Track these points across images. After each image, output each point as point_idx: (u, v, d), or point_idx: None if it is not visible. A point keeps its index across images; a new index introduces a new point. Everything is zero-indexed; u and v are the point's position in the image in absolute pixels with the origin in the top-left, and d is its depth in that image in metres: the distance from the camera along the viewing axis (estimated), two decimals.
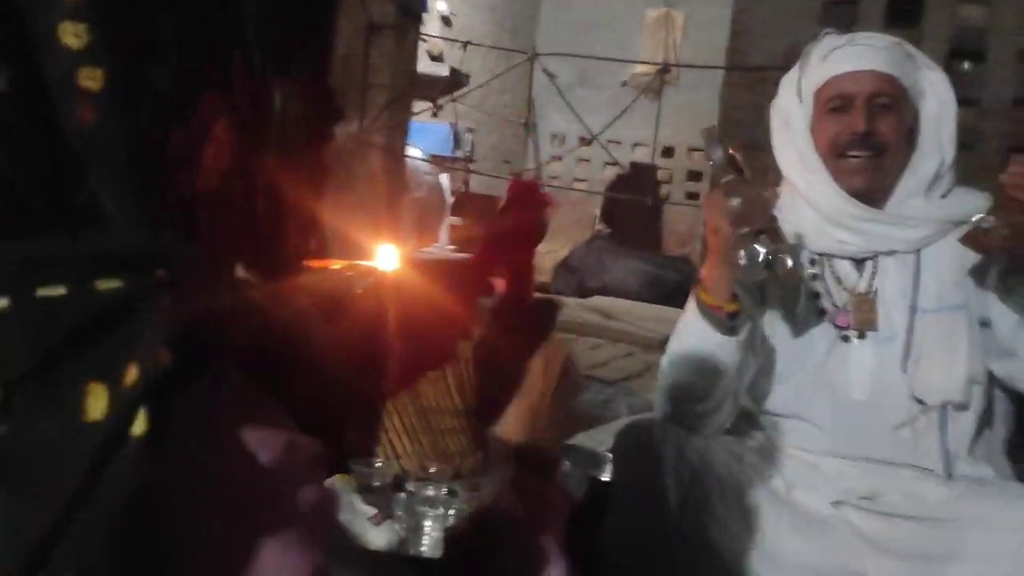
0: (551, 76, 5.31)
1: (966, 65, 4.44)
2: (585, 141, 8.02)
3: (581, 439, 2.54)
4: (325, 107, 4.59)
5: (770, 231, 1.36)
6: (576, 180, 9.76)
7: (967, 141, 4.26)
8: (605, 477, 1.77)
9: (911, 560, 1.36)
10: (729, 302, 1.42)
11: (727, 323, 1.42)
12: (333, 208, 4.36)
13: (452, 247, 6.79)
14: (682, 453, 1.44)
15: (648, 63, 8.37)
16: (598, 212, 8.46)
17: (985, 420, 1.49)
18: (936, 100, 1.51)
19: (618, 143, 9.22)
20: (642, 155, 8.76)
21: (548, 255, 7.92)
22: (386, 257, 1.89)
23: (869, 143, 1.46)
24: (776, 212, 1.41)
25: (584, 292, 6.65)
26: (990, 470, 1.46)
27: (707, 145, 1.36)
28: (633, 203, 7.93)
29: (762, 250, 1.33)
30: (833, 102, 1.49)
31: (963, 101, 4.43)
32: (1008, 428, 1.55)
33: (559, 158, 9.39)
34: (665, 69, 5.38)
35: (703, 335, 1.44)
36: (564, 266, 7.16)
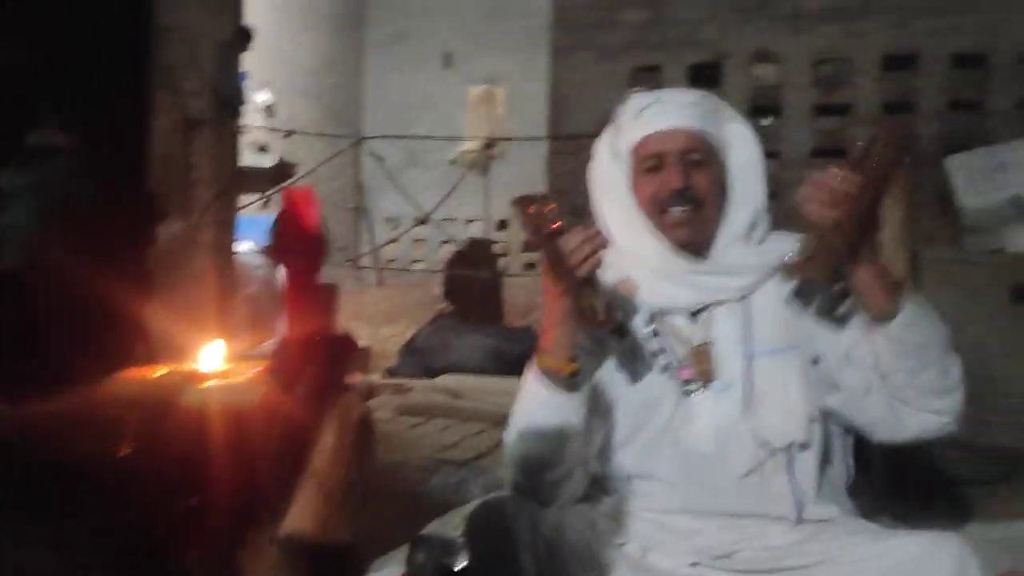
0: (379, 159, 5.29)
1: (764, 121, 4.73)
2: (419, 221, 8.03)
3: (434, 526, 2.46)
4: (146, 208, 4.40)
5: (599, 284, 1.37)
6: (414, 261, 9.75)
7: (772, 190, 4.51)
8: (461, 564, 1.69)
9: None
10: (568, 363, 1.41)
11: (568, 384, 1.41)
12: (160, 311, 4.15)
13: None
14: (536, 528, 1.39)
15: (472, 139, 8.52)
16: (439, 291, 8.45)
17: (826, 458, 1.53)
18: (743, 151, 1.58)
19: (452, 220, 9.29)
20: (477, 231, 8.86)
21: (392, 339, 7.80)
22: (211, 357, 1.78)
23: (686, 198, 1.50)
24: (606, 270, 1.40)
25: (432, 372, 6.56)
26: (835, 508, 1.49)
27: (521, 207, 1.35)
28: (472, 279, 7.96)
29: (598, 303, 1.35)
30: (648, 161, 1.53)
31: (766, 154, 4.72)
32: (847, 465, 1.59)
33: (395, 240, 9.35)
34: (489, 144, 5.46)
35: (545, 399, 1.42)
36: (409, 348, 7.05)
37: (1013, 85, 4.35)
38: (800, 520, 1.45)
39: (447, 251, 9.33)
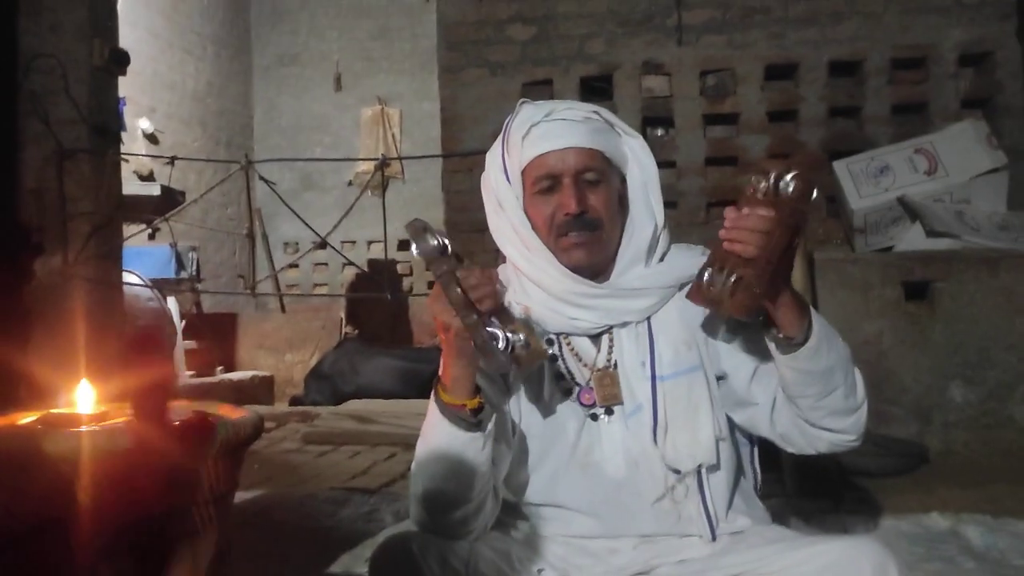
0: (270, 184, 5.15)
1: (659, 132, 4.79)
2: (318, 245, 7.86)
3: (345, 561, 2.37)
4: (20, 243, 4.17)
5: (500, 314, 1.31)
6: (316, 285, 9.59)
7: (671, 199, 4.58)
8: None
9: None
10: (470, 398, 1.35)
11: (471, 419, 1.34)
12: (39, 351, 3.93)
13: (191, 373, 6.37)
14: (445, 562, 1.33)
15: (365, 159, 8.43)
16: (343, 315, 8.30)
17: (738, 475, 1.51)
18: (638, 166, 1.52)
19: (352, 243, 9.16)
20: (378, 252, 8.75)
21: (297, 365, 7.64)
22: (86, 398, 1.65)
23: (584, 222, 1.44)
24: (504, 293, 1.35)
25: (340, 398, 6.44)
26: (748, 520, 1.48)
27: (414, 240, 1.28)
28: (377, 301, 7.85)
29: (499, 334, 1.28)
30: (541, 183, 1.46)
31: (662, 164, 4.78)
32: (755, 471, 1.58)
33: (295, 266, 9.17)
34: (384, 163, 5.38)
35: (449, 436, 1.36)
36: (315, 374, 6.92)
37: (887, 90, 4.51)
38: (715, 536, 1.43)
39: (349, 274, 9.23)
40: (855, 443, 1.45)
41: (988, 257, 3.70)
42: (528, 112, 1.51)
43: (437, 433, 1.37)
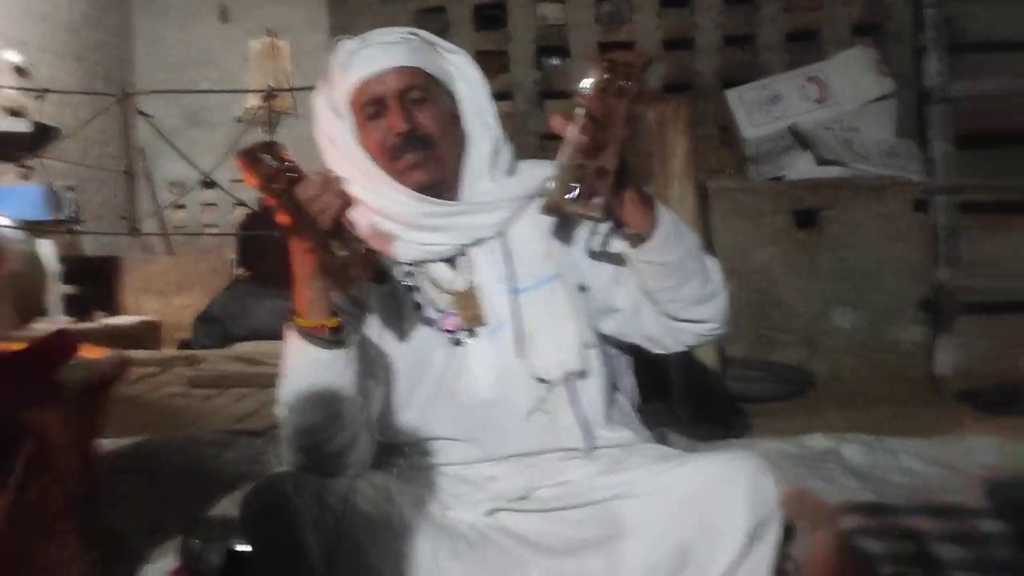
0: (147, 117, 4.88)
1: (554, 61, 4.70)
2: (205, 184, 7.57)
3: (225, 505, 2.27)
4: None
5: (343, 227, 1.26)
6: (206, 226, 9.24)
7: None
8: (245, 547, 1.54)
9: (574, 551, 1.31)
10: (329, 318, 1.30)
11: (332, 339, 1.30)
12: None
13: (69, 319, 6.08)
14: (322, 500, 1.27)
15: (253, 91, 8.10)
16: (234, 256, 8.04)
17: (611, 385, 1.51)
18: (466, 82, 1.52)
19: (243, 182, 8.84)
20: None
21: (186, 309, 7.37)
22: None
23: (415, 139, 1.43)
24: (348, 202, 1.29)
25: (231, 342, 6.26)
26: (629, 433, 1.48)
27: (246, 167, 1.22)
28: (270, 241, 7.62)
29: (347, 251, 1.25)
30: (368, 109, 1.45)
31: (558, 94, 4.70)
32: (632, 386, 1.59)
33: (181, 206, 8.81)
34: (272, 95, 5.16)
35: (311, 362, 1.31)
36: (205, 318, 6.70)
37: (782, 18, 4.50)
38: (593, 449, 1.43)
39: (241, 214, 8.92)
40: (720, 330, 1.49)
41: (875, 185, 3.77)
42: (345, 45, 1.50)
43: (296, 361, 1.33)
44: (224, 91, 8.11)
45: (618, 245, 1.44)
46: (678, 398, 2.77)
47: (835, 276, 3.73)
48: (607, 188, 1.29)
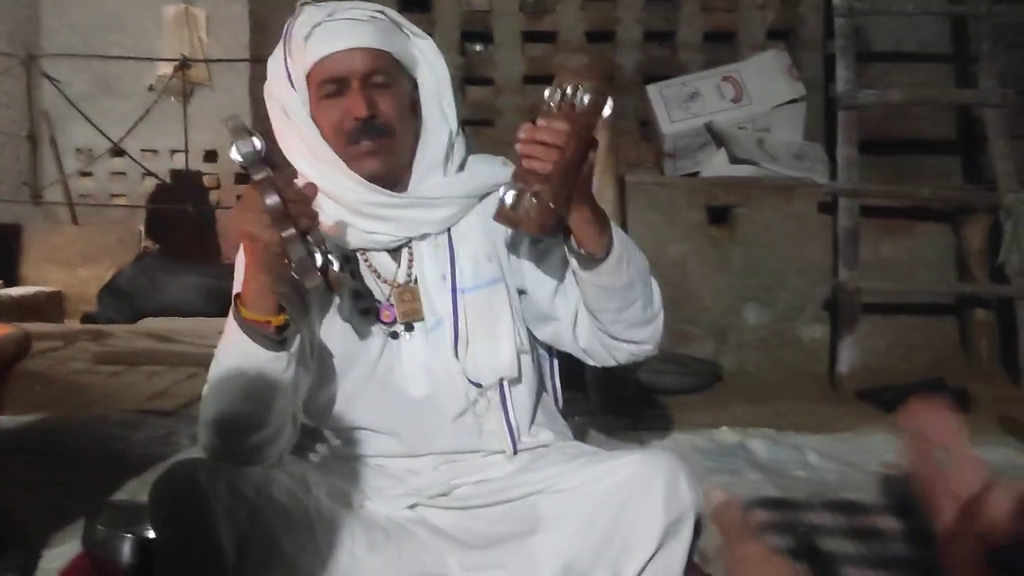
0: (54, 81, 4.69)
1: (478, 47, 4.69)
2: (114, 153, 7.31)
3: (133, 487, 2.23)
4: None
5: (314, 232, 1.23)
6: (113, 196, 8.91)
7: (488, 117, 4.52)
8: (153, 534, 1.51)
9: (493, 546, 1.33)
10: (275, 314, 1.27)
11: (276, 337, 1.27)
12: None
13: None
14: (236, 490, 1.24)
15: (164, 60, 7.84)
16: (143, 228, 7.80)
17: (540, 389, 1.51)
18: (429, 69, 1.46)
19: (155, 152, 8.58)
20: (182, 163, 8.24)
21: (91, 281, 7.13)
22: None
23: (374, 127, 1.37)
24: (319, 212, 1.27)
25: (139, 316, 6.09)
26: (550, 434, 1.48)
27: (234, 138, 1.18)
28: (181, 214, 7.43)
29: (316, 252, 1.20)
30: (327, 87, 1.38)
31: (480, 80, 4.70)
32: (556, 385, 1.58)
33: (88, 174, 8.49)
34: (185, 65, 5.01)
35: (249, 355, 1.27)
36: (111, 290, 6.50)
37: (700, 17, 4.59)
38: (516, 450, 1.42)
39: (150, 185, 8.65)
40: (653, 351, 1.48)
41: (784, 185, 3.89)
42: (309, 13, 1.42)
43: (235, 351, 1.28)
44: (135, 58, 7.83)
45: (565, 260, 1.41)
46: (592, 388, 2.82)
47: (745, 272, 3.84)
48: (551, 204, 1.25)
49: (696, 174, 4.12)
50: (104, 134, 4.59)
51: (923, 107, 4.12)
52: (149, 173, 7.97)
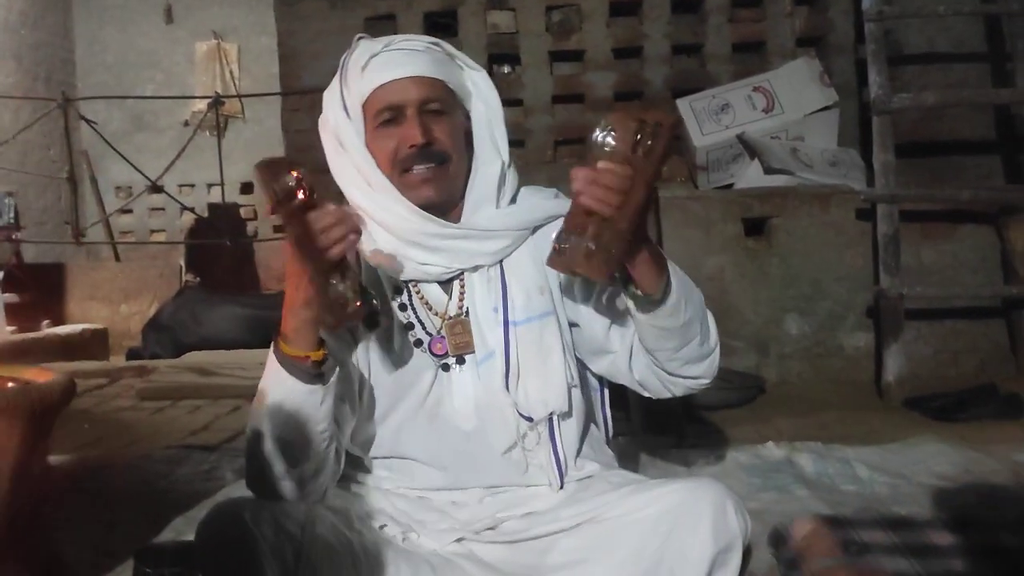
0: (91, 123, 4.78)
1: (506, 69, 4.71)
2: (152, 189, 7.41)
3: (179, 525, 2.24)
4: None
5: (347, 266, 1.22)
6: (153, 232, 9.06)
7: (518, 138, 4.53)
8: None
9: None
10: (314, 349, 1.27)
11: (313, 371, 1.27)
12: None
13: (12, 328, 5.94)
14: (281, 528, 1.25)
15: (198, 97, 7.96)
16: (183, 262, 7.90)
17: (588, 419, 1.49)
18: (482, 101, 1.47)
19: (192, 186, 8.71)
20: (219, 195, 8.34)
21: (135, 316, 7.23)
22: None
23: (429, 154, 1.38)
24: (358, 239, 1.25)
25: (181, 350, 6.15)
26: (596, 466, 1.46)
27: (261, 180, 1.20)
28: (219, 247, 7.52)
29: (347, 289, 1.20)
30: (383, 115, 1.39)
31: (509, 102, 4.71)
32: (606, 416, 1.57)
33: (128, 211, 8.63)
34: (219, 101, 5.09)
35: (287, 390, 1.28)
36: (154, 326, 6.57)
37: (727, 28, 4.57)
38: (563, 484, 1.41)
39: (189, 219, 8.77)
40: (709, 385, 1.46)
41: (820, 193, 3.85)
42: (366, 45, 1.44)
43: (275, 387, 1.29)
44: (168, 97, 7.95)
45: (622, 301, 1.38)
46: (635, 408, 2.79)
47: (784, 283, 3.80)
48: (613, 251, 1.21)
49: (730, 186, 4.09)
50: (143, 173, 4.65)
51: (959, 108, 4.05)
52: (186, 208, 8.07)
